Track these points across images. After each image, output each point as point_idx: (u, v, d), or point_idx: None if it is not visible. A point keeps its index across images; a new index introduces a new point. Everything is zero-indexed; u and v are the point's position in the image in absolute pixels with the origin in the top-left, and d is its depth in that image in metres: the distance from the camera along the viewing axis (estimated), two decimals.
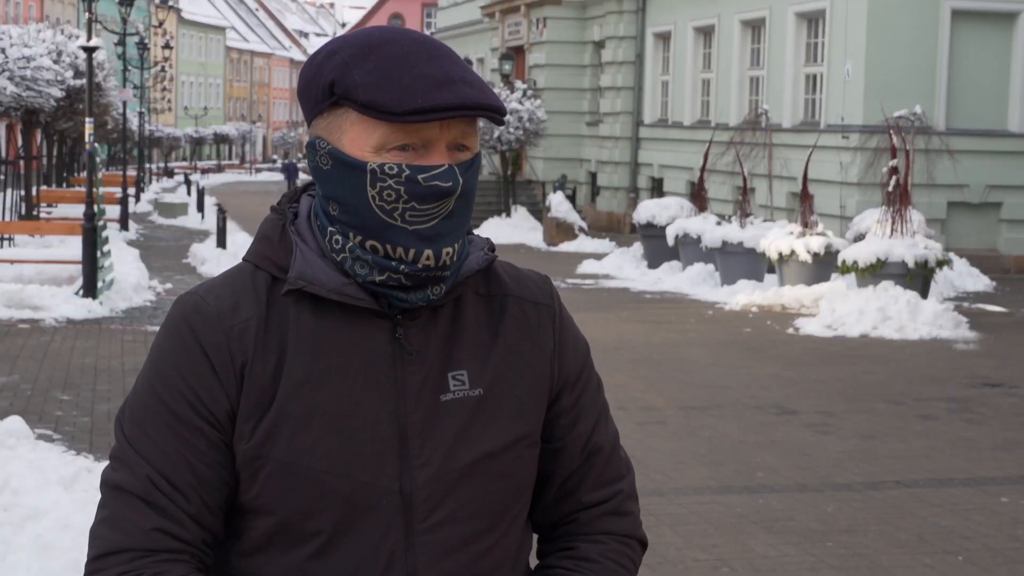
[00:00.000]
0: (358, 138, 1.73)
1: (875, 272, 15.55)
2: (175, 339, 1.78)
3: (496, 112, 1.73)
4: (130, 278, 16.78)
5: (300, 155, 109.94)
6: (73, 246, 18.75)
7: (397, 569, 1.76)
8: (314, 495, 1.74)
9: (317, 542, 1.76)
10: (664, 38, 29.57)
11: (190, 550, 1.75)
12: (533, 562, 1.97)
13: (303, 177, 55.02)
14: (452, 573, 1.78)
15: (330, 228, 1.78)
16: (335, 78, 1.73)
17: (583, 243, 26.40)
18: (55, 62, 22.27)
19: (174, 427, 1.75)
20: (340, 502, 1.74)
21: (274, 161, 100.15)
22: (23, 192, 23.24)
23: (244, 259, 1.84)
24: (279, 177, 71.65)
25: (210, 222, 30.25)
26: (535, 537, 1.98)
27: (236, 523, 1.80)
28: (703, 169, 21.19)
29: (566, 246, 26.35)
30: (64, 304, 14.57)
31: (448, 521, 1.78)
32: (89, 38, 17.17)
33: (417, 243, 1.73)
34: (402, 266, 1.74)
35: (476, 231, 2.06)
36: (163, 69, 63.27)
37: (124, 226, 28.88)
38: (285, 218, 1.83)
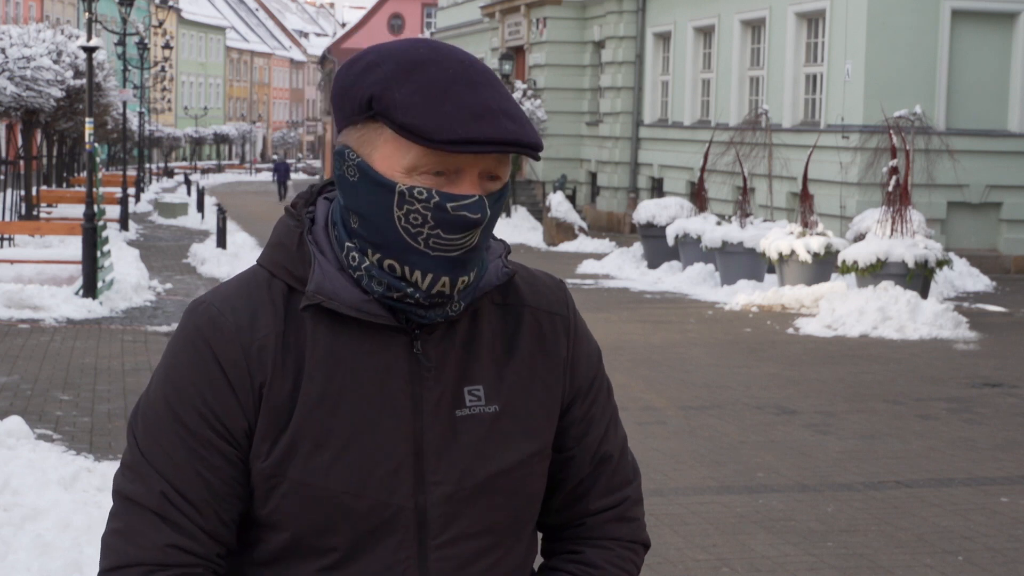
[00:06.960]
0: (390, 156, 1.70)
1: (875, 272, 15.56)
2: (191, 352, 1.76)
3: (533, 149, 1.71)
4: (130, 278, 16.77)
5: (300, 155, 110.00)
6: (73, 246, 18.76)
7: None
8: (330, 514, 1.74)
9: (332, 557, 1.76)
10: (664, 38, 29.57)
11: (204, 563, 1.75)
12: (536, 561, 1.97)
13: (294, 177, 54.88)
14: None
15: (348, 243, 1.76)
16: (374, 93, 1.69)
17: (583, 243, 26.40)
18: (55, 62, 22.26)
19: (189, 443, 1.74)
20: (356, 520, 1.75)
21: (274, 161, 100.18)
22: (23, 192, 23.26)
23: (259, 264, 1.81)
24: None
25: (210, 222, 30.27)
26: (539, 536, 2.00)
27: (251, 534, 1.80)
28: (703, 169, 21.19)
29: (566, 246, 26.34)
30: (64, 304, 14.57)
31: (461, 537, 1.78)
32: (89, 38, 17.18)
33: (436, 268, 1.71)
34: (416, 293, 1.72)
35: None
36: (163, 69, 63.25)
37: (124, 226, 28.89)
38: (302, 225, 1.79)
